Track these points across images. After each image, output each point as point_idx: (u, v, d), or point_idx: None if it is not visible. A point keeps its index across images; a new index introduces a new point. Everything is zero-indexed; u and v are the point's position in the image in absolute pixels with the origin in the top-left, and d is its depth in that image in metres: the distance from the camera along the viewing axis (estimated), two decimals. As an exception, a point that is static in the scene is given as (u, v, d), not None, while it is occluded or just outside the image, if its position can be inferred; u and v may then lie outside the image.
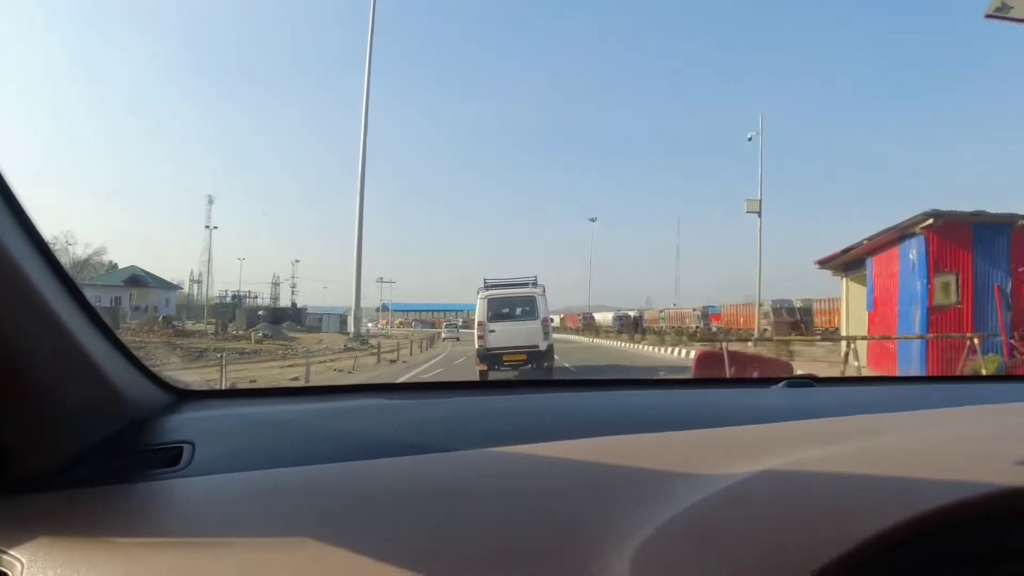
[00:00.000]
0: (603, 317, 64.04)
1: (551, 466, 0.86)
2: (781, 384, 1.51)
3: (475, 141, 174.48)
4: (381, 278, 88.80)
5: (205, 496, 0.82)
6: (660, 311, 58.61)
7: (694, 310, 50.41)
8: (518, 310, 14.47)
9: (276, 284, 77.40)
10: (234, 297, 63.81)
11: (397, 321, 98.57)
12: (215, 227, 54.04)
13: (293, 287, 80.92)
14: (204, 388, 1.87)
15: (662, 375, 3.39)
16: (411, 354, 26.43)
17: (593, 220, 73.03)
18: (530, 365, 13.94)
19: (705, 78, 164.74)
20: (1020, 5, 2.31)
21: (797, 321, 35.96)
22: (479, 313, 14.39)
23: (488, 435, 1.01)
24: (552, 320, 16.34)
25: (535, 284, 14.92)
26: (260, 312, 53.06)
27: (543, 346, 14.06)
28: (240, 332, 39.19)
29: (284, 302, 73.58)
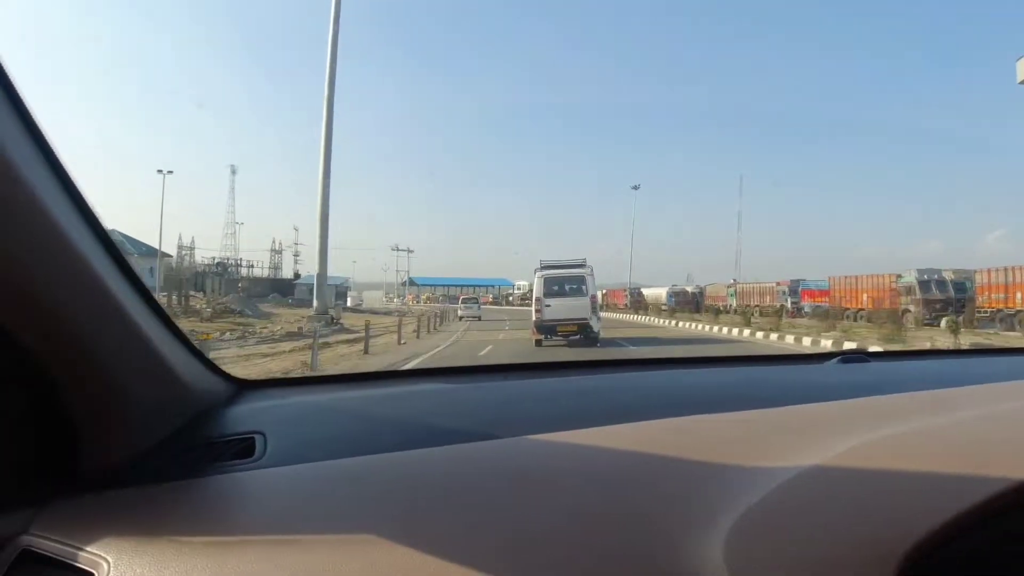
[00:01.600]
0: (653, 293, 55.88)
1: (621, 450, 0.83)
2: (835, 360, 1.53)
3: (505, 113, 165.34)
4: (396, 245, 79.26)
5: (282, 487, 0.81)
6: (728, 285, 48.29)
7: (778, 284, 39.95)
8: (569, 287, 16.30)
9: (277, 252, 69.26)
10: (219, 265, 55.18)
11: (424, 296, 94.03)
12: (170, 172, 45.79)
13: (296, 255, 72.60)
14: (264, 378, 1.57)
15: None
16: (401, 342, 18.47)
17: (636, 188, 64.20)
18: (579, 336, 15.62)
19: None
20: None
21: (950, 298, 25.63)
22: (536, 289, 16.46)
23: (548, 418, 0.98)
24: (599, 297, 18.07)
25: (584, 265, 16.92)
26: (240, 283, 44.42)
27: (592, 319, 15.92)
28: (204, 307, 30.83)
29: (287, 272, 65.53)
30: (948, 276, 26.60)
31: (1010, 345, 9.30)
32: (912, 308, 26.09)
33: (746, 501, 0.67)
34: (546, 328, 15.77)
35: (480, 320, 34.70)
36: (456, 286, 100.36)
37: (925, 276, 26.62)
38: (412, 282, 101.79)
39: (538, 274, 16.62)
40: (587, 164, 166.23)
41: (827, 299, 34.21)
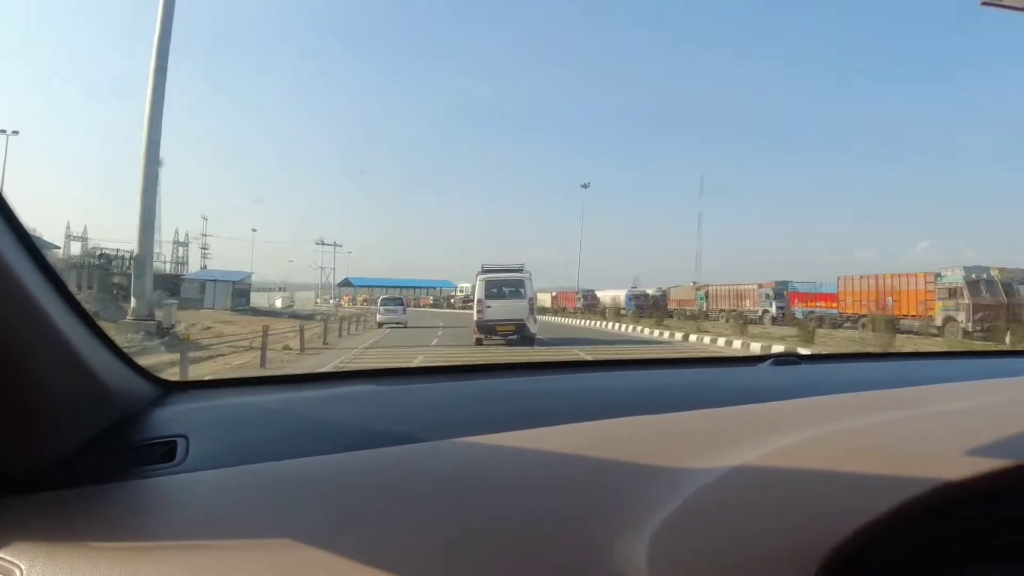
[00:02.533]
0: (609, 296, 50.51)
1: (552, 452, 0.84)
2: (768, 362, 1.57)
3: (448, 112, 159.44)
4: (322, 239, 70.91)
5: (204, 492, 0.78)
6: (697, 287, 42.93)
7: (760, 286, 34.62)
8: (508, 290, 17.85)
9: (183, 244, 60.18)
10: (102, 257, 46.28)
11: (362, 298, 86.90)
12: (14, 132, 37.59)
13: (204, 248, 63.64)
14: (191, 379, 1.69)
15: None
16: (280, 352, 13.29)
17: (586, 186, 60.13)
18: (516, 335, 17.04)
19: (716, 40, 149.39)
20: None
21: (1002, 303, 20.48)
22: (477, 292, 17.92)
23: (484, 421, 1.00)
24: (536, 299, 19.86)
25: (523, 270, 18.56)
26: (116, 278, 36.42)
27: (529, 320, 17.45)
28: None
29: (196, 267, 56.96)
30: (995, 275, 21.47)
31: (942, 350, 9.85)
32: (959, 316, 20.90)
33: (671, 503, 0.68)
34: (486, 328, 17.09)
35: (405, 327, 27.64)
36: (396, 287, 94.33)
37: (974, 275, 21.32)
38: (348, 283, 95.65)
39: (479, 277, 18.08)
40: (535, 166, 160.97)
41: (829, 304, 28.97)
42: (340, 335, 20.93)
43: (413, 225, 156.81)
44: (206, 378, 2.73)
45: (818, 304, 30.59)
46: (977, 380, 1.23)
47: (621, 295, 48.52)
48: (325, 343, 17.79)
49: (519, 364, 1.76)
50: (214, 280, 42.35)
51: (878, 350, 10.04)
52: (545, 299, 58.88)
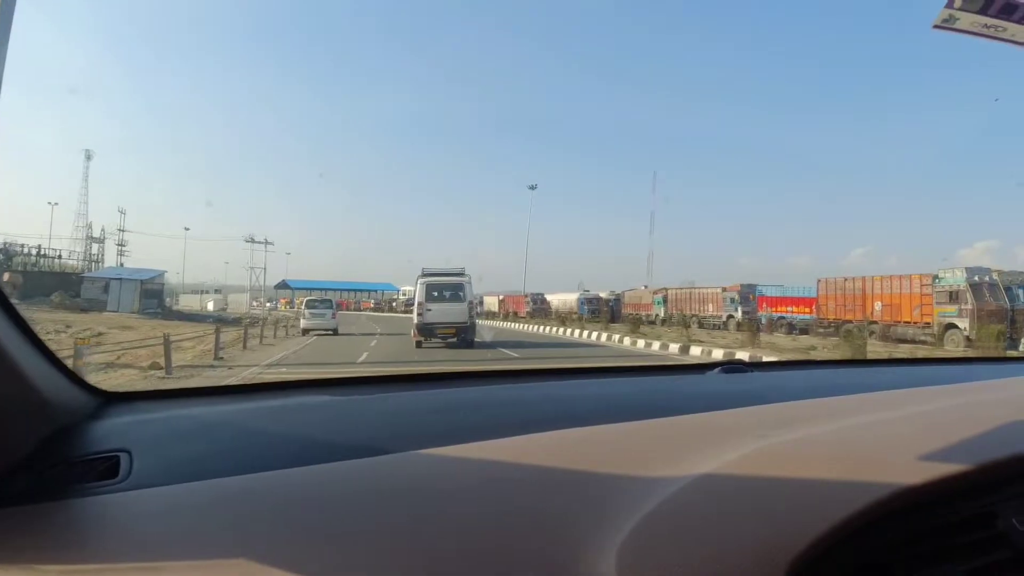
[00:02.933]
0: (561, 299, 48.10)
1: (510, 464, 0.81)
2: (717, 370, 1.58)
3: (392, 117, 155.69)
4: (251, 236, 65.54)
5: (151, 511, 0.74)
6: (654, 291, 40.66)
7: (724, 290, 32.40)
8: (448, 293, 17.96)
9: (98, 240, 54.01)
10: (2, 252, 41.06)
11: (300, 301, 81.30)
12: None
13: (121, 244, 57.52)
14: (133, 389, 1.49)
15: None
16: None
17: (533, 188, 57.40)
18: (456, 338, 17.19)
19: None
20: (966, 18, 1.67)
21: (1005, 309, 18.54)
22: (418, 295, 17.94)
23: (435, 432, 0.98)
24: (477, 302, 21.56)
25: (463, 274, 18.80)
26: (6, 276, 31.47)
27: (469, 322, 17.78)
28: None
29: (111, 263, 51.25)
30: (997, 278, 19.39)
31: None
32: (961, 322, 18.77)
33: (635, 513, 0.67)
34: (427, 330, 17.32)
35: (335, 334, 23.84)
36: (336, 290, 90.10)
37: (976, 277, 19.17)
38: (286, 285, 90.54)
39: (420, 281, 18.18)
40: (481, 169, 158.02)
41: (801, 308, 26.83)
42: (244, 347, 17.06)
43: (356, 227, 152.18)
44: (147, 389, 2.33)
45: (788, 309, 28.51)
46: (922, 387, 1.24)
47: (572, 298, 46.43)
48: (218, 358, 13.95)
49: (467, 373, 1.72)
50: (119, 279, 36.91)
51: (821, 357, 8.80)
52: (492, 303, 56.78)
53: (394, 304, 67.41)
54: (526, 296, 51.34)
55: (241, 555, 0.62)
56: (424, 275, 18.28)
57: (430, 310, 17.39)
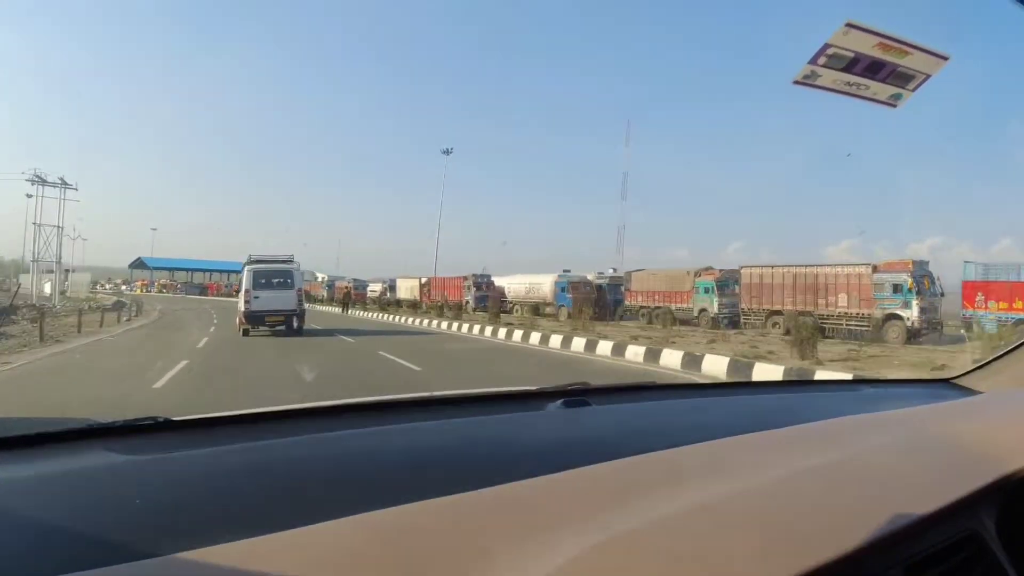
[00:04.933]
0: (524, 284, 35.38)
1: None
2: (559, 402, 1.36)
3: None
4: (36, 171, 38.91)
5: None
6: (698, 274, 27.48)
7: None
8: (276, 281, 17.44)
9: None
10: None
11: (160, 282, 76.24)
12: None
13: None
14: None
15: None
16: None
17: (448, 152, 51.67)
18: (284, 326, 17.04)
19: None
20: (828, 75, 2.01)
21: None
22: (245, 282, 17.36)
23: (278, 506, 0.77)
24: (303, 291, 19.32)
25: (291, 260, 18.50)
26: None
27: (299, 310, 17.53)
28: None
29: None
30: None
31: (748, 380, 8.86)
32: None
33: None
34: (254, 318, 16.84)
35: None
36: (200, 270, 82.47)
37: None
38: (142, 263, 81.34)
39: (247, 267, 17.79)
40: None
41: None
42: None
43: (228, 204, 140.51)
44: None
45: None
46: (812, 422, 1.16)
47: (547, 283, 33.23)
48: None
49: (277, 412, 1.20)
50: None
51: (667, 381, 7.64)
52: (409, 288, 43.58)
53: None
54: (465, 279, 37.40)
55: None
56: (251, 261, 17.95)
57: (257, 297, 17.01)
